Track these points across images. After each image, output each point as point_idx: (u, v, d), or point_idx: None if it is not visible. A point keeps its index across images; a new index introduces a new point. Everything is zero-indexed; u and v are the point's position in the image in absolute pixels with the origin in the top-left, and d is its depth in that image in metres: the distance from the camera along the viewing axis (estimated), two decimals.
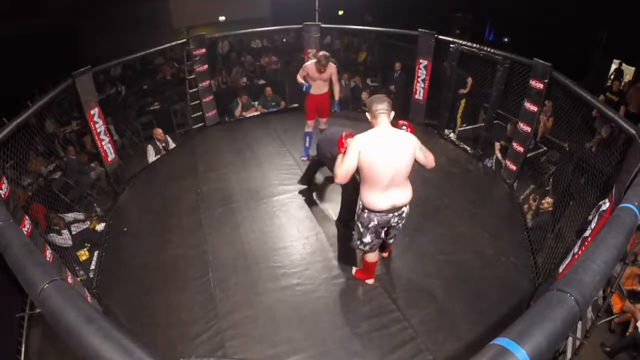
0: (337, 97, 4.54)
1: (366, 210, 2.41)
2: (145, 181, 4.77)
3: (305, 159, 4.79)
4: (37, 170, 4.31)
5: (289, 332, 2.72)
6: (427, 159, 2.37)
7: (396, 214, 2.43)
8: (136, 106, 6.42)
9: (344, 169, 2.24)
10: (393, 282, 3.10)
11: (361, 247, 2.65)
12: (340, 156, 2.34)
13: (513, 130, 4.56)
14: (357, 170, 2.30)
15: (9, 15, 7.35)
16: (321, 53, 4.24)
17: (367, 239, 2.56)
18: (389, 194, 2.32)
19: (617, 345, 3.43)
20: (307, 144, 4.78)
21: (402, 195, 2.36)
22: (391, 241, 2.86)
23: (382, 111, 2.25)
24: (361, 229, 2.53)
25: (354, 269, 3.17)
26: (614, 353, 3.37)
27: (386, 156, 2.21)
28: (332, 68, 4.31)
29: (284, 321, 2.80)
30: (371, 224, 2.45)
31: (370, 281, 3.06)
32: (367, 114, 2.34)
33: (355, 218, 2.60)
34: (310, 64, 4.29)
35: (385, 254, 3.26)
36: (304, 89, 4.34)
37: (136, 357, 0.98)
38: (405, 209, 2.46)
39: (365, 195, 2.36)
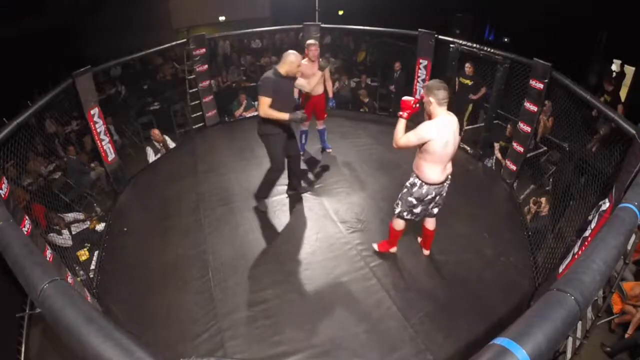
0: (330, 94, 4.56)
1: (425, 186, 2.67)
2: (145, 181, 4.77)
3: (300, 154, 4.85)
4: (37, 170, 4.31)
5: (289, 332, 2.72)
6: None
7: (446, 183, 2.75)
8: (136, 106, 6.42)
9: (405, 142, 2.54)
10: (393, 282, 3.10)
11: (409, 217, 2.88)
12: (402, 122, 2.57)
13: (513, 130, 4.57)
14: (422, 151, 2.56)
15: (9, 15, 7.35)
16: (309, 40, 4.29)
17: (418, 209, 2.82)
18: (445, 168, 2.65)
19: (618, 345, 3.43)
20: (303, 141, 4.87)
21: (450, 165, 2.71)
22: (436, 211, 2.97)
23: (446, 100, 2.49)
24: (414, 202, 2.77)
25: (375, 245, 3.32)
26: (614, 353, 3.36)
27: (452, 140, 2.53)
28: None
29: (284, 321, 2.80)
30: (427, 197, 2.73)
31: (393, 249, 3.26)
32: (430, 97, 2.48)
33: (405, 194, 2.81)
34: (302, 62, 4.31)
35: (426, 251, 3.34)
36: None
37: (136, 357, 0.98)
38: (450, 176, 2.75)
39: (428, 172, 2.62)
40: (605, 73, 6.82)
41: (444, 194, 2.83)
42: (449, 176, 2.73)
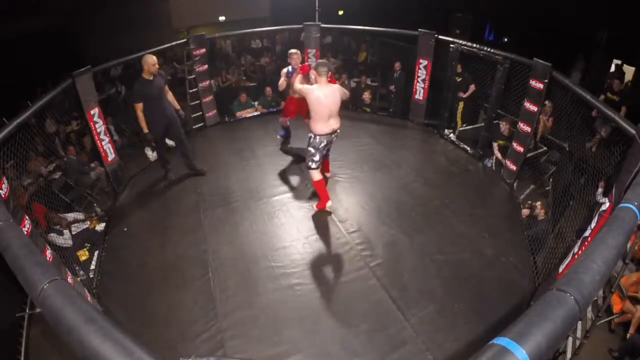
0: None
1: (317, 137, 3.60)
2: (145, 181, 4.76)
3: (280, 138, 5.36)
4: (37, 170, 4.30)
5: (289, 332, 2.72)
6: (346, 94, 3.71)
7: (334, 135, 3.67)
8: None
9: (298, 89, 3.66)
10: (393, 282, 3.10)
11: (314, 166, 3.70)
12: (300, 76, 3.84)
13: (509, 129, 4.56)
14: (310, 111, 3.55)
15: (9, 15, 7.34)
16: (291, 50, 4.53)
17: (317, 157, 3.67)
18: (329, 122, 3.56)
19: (622, 350, 3.40)
20: (282, 131, 5.30)
21: (336, 122, 3.63)
22: (330, 155, 4.14)
23: (324, 72, 3.48)
24: (313, 151, 3.66)
25: (313, 206, 3.92)
26: (621, 357, 3.34)
27: (327, 99, 3.46)
28: None
29: (284, 321, 2.80)
30: (321, 145, 3.64)
31: (329, 203, 3.85)
32: (313, 70, 3.69)
33: (307, 146, 3.69)
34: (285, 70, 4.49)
35: (328, 174, 4.29)
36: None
37: (136, 357, 0.98)
38: (338, 131, 3.70)
39: (316, 126, 3.56)
40: (604, 72, 6.82)
41: (332, 143, 3.79)
42: (337, 131, 3.67)
